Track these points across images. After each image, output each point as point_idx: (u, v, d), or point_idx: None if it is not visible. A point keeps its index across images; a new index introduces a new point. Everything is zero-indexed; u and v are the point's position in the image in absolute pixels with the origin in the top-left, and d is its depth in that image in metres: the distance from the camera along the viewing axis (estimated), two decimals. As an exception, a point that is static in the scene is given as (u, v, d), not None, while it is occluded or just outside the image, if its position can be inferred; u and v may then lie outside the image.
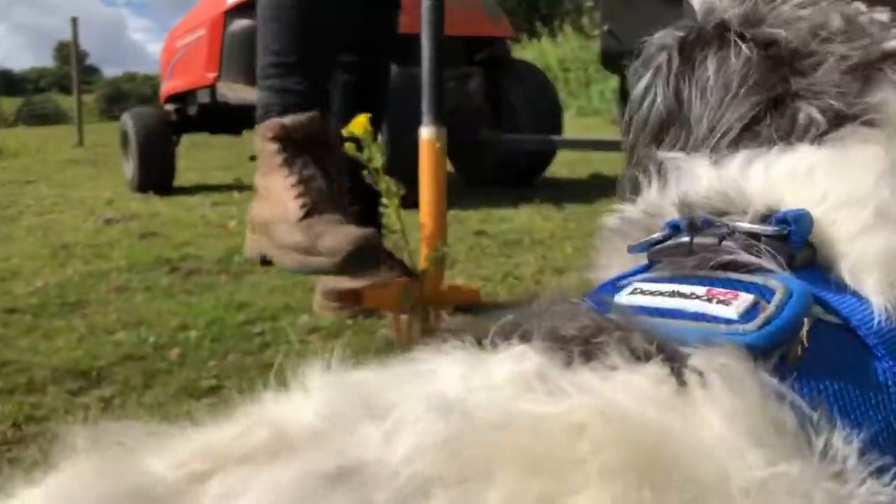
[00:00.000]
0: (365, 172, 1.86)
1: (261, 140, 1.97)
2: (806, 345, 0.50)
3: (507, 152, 5.30)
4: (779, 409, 0.42)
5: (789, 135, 0.69)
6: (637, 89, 0.80)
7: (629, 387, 0.40)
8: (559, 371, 0.41)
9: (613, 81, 14.71)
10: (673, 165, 0.70)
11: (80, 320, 2.46)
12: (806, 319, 0.51)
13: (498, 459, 0.36)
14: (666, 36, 0.79)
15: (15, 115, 26.52)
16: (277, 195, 1.90)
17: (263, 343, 2.19)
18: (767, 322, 0.49)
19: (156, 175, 5.68)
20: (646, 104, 0.78)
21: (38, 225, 4.28)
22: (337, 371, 0.45)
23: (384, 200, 1.87)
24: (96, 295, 2.75)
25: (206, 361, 2.04)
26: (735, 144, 0.70)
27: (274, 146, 1.92)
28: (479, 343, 0.46)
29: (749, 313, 0.50)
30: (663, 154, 0.73)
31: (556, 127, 5.44)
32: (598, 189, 5.13)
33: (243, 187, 5.78)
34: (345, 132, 1.85)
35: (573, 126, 7.35)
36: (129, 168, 5.88)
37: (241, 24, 5.54)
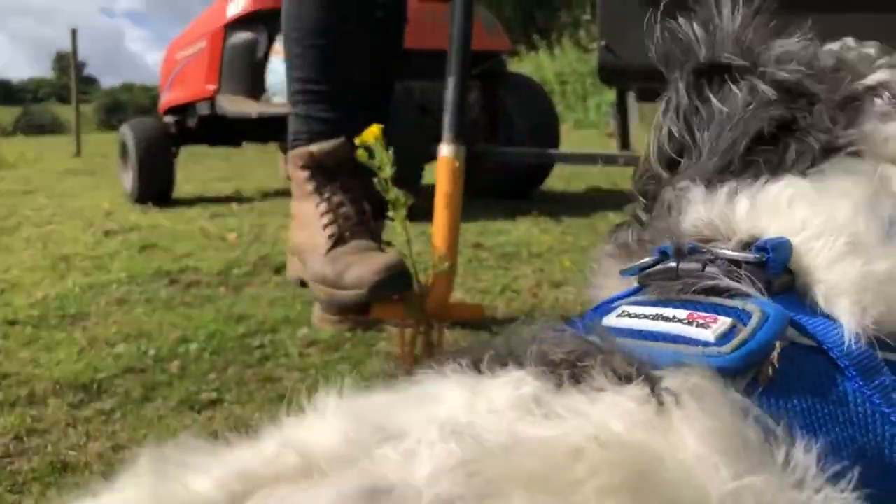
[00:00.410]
0: (375, 180, 1.90)
1: (292, 168, 2.02)
2: (776, 366, 0.53)
3: (504, 165, 5.32)
4: (744, 425, 0.45)
5: (780, 166, 0.72)
6: (655, 122, 0.84)
7: (616, 409, 0.43)
8: (553, 395, 0.44)
9: (610, 95, 14.76)
10: (674, 194, 0.73)
11: (81, 332, 2.47)
12: (778, 343, 0.55)
13: (509, 480, 0.38)
14: (676, 69, 0.83)
15: (13, 125, 26.54)
16: (309, 222, 1.96)
17: (263, 356, 2.20)
18: (742, 344, 0.53)
19: (155, 186, 5.70)
20: (661, 135, 0.82)
21: (38, 236, 4.29)
22: (347, 395, 0.48)
23: (390, 211, 1.90)
24: (96, 307, 2.76)
25: (206, 374, 2.05)
26: (732, 173, 0.74)
27: (304, 174, 1.98)
28: (477, 367, 0.48)
29: (727, 336, 0.54)
30: (671, 183, 0.76)
31: (554, 140, 5.46)
32: (595, 202, 5.16)
33: (242, 199, 5.80)
34: (357, 140, 1.88)
35: (570, 139, 7.39)
36: (127, 179, 5.89)
37: (241, 37, 5.58)
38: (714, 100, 0.79)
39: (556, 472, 0.39)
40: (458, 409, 0.44)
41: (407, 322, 1.91)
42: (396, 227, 1.91)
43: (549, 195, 5.63)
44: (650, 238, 0.71)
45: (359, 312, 1.92)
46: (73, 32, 11.92)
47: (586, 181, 6.36)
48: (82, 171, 8.74)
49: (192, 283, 3.07)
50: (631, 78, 4.35)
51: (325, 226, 1.94)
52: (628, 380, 0.46)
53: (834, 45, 0.81)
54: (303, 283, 2.01)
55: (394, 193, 1.87)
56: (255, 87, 5.57)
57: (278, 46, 5.28)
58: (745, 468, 0.42)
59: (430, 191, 5.32)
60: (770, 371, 0.52)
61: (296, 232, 2.02)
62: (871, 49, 0.81)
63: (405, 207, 1.88)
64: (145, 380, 2.01)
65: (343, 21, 2.01)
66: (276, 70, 5.18)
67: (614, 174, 6.57)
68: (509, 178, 5.42)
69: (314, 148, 1.99)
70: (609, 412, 0.43)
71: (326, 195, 1.96)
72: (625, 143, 4.60)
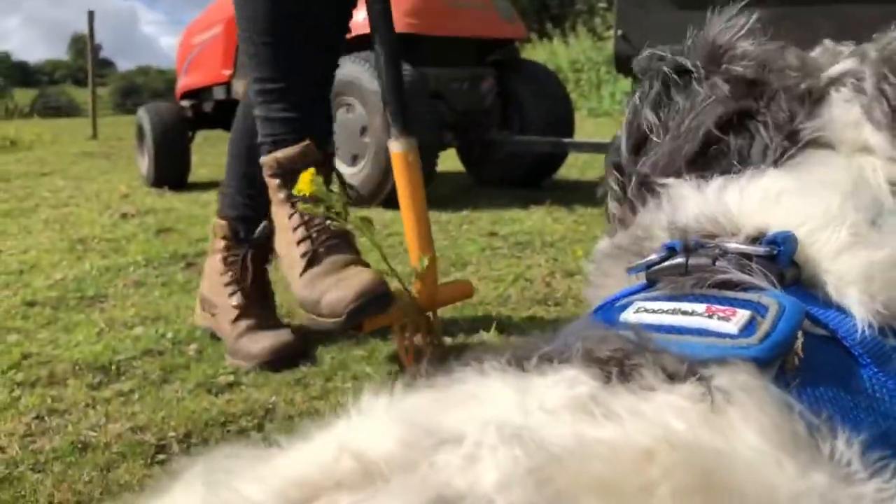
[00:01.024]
0: (330, 223, 1.88)
1: (266, 175, 2.00)
2: (801, 356, 0.54)
3: (518, 154, 5.33)
4: (792, 419, 0.46)
5: (750, 155, 0.75)
6: (627, 111, 0.87)
7: (673, 408, 0.43)
8: (608, 394, 0.44)
9: (625, 83, 14.72)
10: (658, 190, 0.75)
11: (99, 314, 2.50)
12: (799, 332, 0.55)
13: (581, 488, 0.38)
14: (653, 64, 0.86)
15: (30, 107, 26.62)
16: (285, 233, 1.95)
17: (279, 340, 2.23)
18: (766, 336, 0.54)
19: (171, 171, 5.72)
20: (639, 119, 0.84)
21: (55, 218, 4.33)
22: (390, 395, 0.47)
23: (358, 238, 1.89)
24: (114, 289, 2.80)
25: (223, 357, 2.08)
26: (703, 160, 0.76)
27: (275, 182, 1.97)
28: (520, 365, 0.48)
29: (748, 328, 0.55)
30: (649, 179, 0.78)
31: (568, 129, 5.46)
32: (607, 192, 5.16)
33: (257, 184, 5.82)
34: (295, 191, 1.86)
35: (584, 127, 7.38)
36: (144, 163, 5.92)
37: (257, 22, 5.59)
38: (677, 96, 0.82)
39: (628, 476, 0.39)
40: (509, 410, 0.43)
41: (404, 320, 1.93)
42: (369, 247, 1.89)
43: (562, 184, 5.63)
44: (644, 234, 0.73)
45: (353, 327, 1.90)
46: (91, 15, 11.92)
47: (598, 170, 6.34)
48: (98, 154, 8.78)
49: (209, 268, 3.10)
50: (647, 68, 4.35)
51: (299, 241, 1.92)
52: (678, 378, 0.46)
53: (814, 52, 0.84)
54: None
55: (355, 220, 1.86)
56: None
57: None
58: (804, 464, 0.42)
59: (445, 178, 5.31)
60: (796, 361, 0.54)
61: (278, 240, 2.00)
62: (844, 47, 0.83)
63: (371, 230, 1.87)
64: (163, 362, 2.04)
65: (293, 16, 1.96)
66: (293, 56, 5.19)
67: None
68: (522, 167, 5.42)
69: (280, 154, 1.96)
70: (667, 411, 0.43)
71: (299, 205, 1.93)
72: (640, 133, 4.59)
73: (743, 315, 0.56)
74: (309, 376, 1.93)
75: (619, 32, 4.21)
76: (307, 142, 1.95)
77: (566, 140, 5.10)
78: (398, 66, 1.98)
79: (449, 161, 5.16)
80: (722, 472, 0.40)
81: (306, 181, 1.81)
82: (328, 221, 1.89)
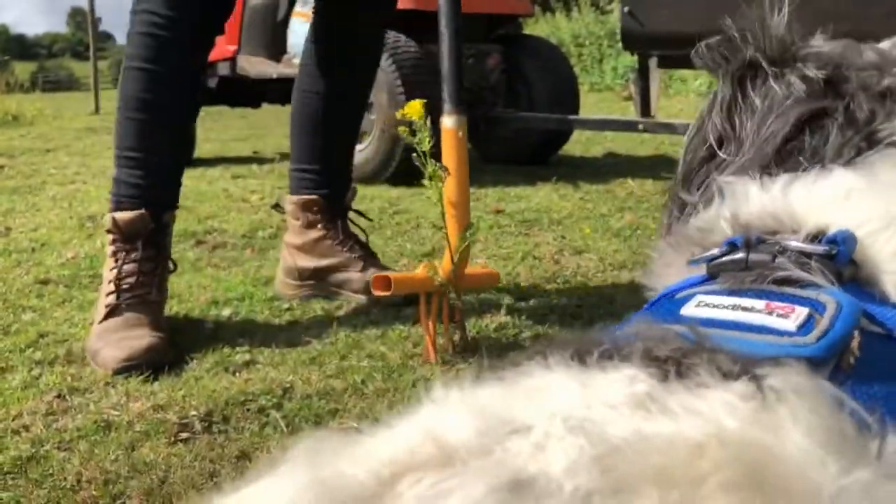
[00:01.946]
0: (413, 155, 1.94)
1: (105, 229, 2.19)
2: (857, 354, 0.56)
3: (523, 131, 5.34)
4: (842, 418, 0.47)
5: (823, 157, 0.76)
6: (696, 119, 0.88)
7: (725, 406, 0.45)
8: (665, 392, 0.47)
9: (627, 58, 14.68)
10: (724, 187, 0.76)
11: (113, 293, 2.52)
12: (856, 331, 0.57)
13: (639, 475, 0.41)
14: (721, 69, 0.86)
15: (30, 81, 26.53)
16: (104, 283, 2.10)
17: (292, 319, 2.26)
18: (824, 334, 0.55)
19: (177, 147, 5.72)
20: (705, 128, 0.85)
21: (63, 195, 4.34)
22: (461, 387, 0.51)
23: (427, 182, 1.94)
24: (126, 267, 2.81)
25: (238, 336, 2.10)
26: (778, 159, 0.77)
27: (109, 237, 2.14)
28: (582, 361, 0.51)
29: (806, 326, 0.57)
30: (717, 176, 0.80)
31: (574, 106, 5.46)
32: (612, 168, 5.18)
33: (263, 160, 5.84)
34: (399, 114, 1.94)
35: (586, 102, 7.37)
36: (149, 139, 5.92)
37: (261, -2, 5.60)
38: (754, 96, 0.83)
39: (681, 468, 0.42)
40: (573, 403, 0.46)
41: (430, 289, 1.95)
42: (432, 199, 1.95)
43: (567, 160, 5.65)
44: (707, 227, 0.75)
45: (382, 288, 1.97)
46: (91, -12, 11.89)
47: (604, 146, 6.37)
48: (101, 129, 8.78)
49: (219, 245, 3.12)
50: (653, 45, 4.36)
51: (107, 294, 2.06)
52: (733, 376, 0.48)
53: (885, 43, 0.85)
54: None
55: (431, 167, 1.91)
56: (275, 47, 5.59)
57: (300, 8, 5.29)
58: (849, 462, 0.44)
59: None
60: (851, 359, 0.56)
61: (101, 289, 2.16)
62: None
63: (442, 181, 1.92)
64: (180, 341, 2.06)
65: (159, 99, 2.15)
66: (298, 31, 5.19)
67: (631, 139, 6.58)
68: (528, 144, 5.43)
69: (118, 215, 2.12)
70: (720, 409, 0.45)
71: (119, 262, 2.08)
72: (646, 109, 4.60)
73: (801, 312, 0.58)
74: (324, 355, 1.95)
75: (626, 9, 4.21)
76: (143, 211, 2.13)
77: (572, 117, 5.10)
78: (460, 51, 2.04)
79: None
80: (768, 469, 0.42)
81: (416, 108, 1.92)
82: (413, 155, 1.97)
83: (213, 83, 6.02)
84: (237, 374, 1.85)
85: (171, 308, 2.32)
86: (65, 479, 1.39)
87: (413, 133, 1.91)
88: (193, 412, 1.62)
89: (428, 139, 1.90)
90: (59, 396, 1.75)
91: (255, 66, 5.54)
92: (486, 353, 1.92)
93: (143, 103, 2.15)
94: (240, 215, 3.68)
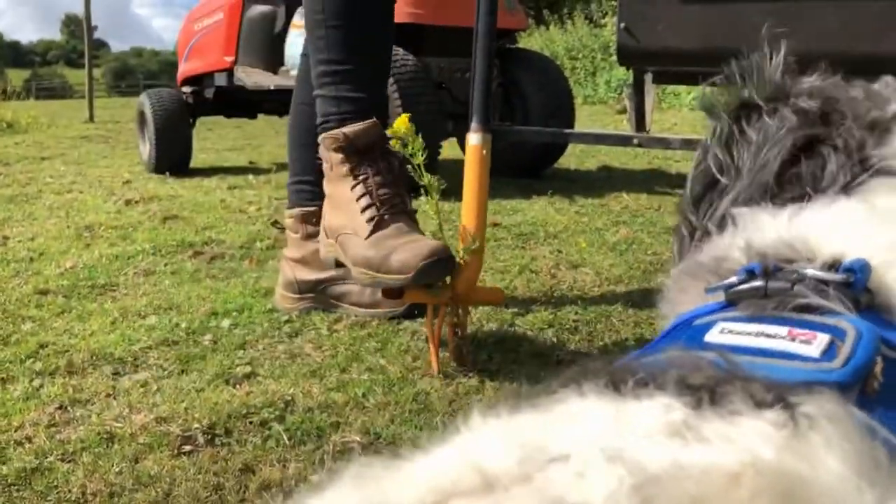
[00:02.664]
0: (409, 168, 1.95)
1: (324, 150, 2.05)
2: (881, 380, 0.57)
3: (519, 144, 5.36)
4: (874, 445, 0.48)
5: (822, 179, 0.79)
6: (697, 153, 0.91)
7: (760, 435, 0.46)
8: (699, 420, 0.48)
9: (620, 71, 14.71)
10: (735, 216, 0.79)
11: (112, 303, 2.53)
12: (878, 356, 0.59)
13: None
14: (720, 111, 0.90)
15: (23, 88, 26.51)
16: (347, 205, 1.99)
17: (292, 331, 2.26)
18: (848, 360, 0.57)
19: (173, 158, 5.74)
20: (707, 161, 0.89)
21: (60, 204, 4.35)
22: (495, 413, 0.52)
23: (424, 196, 1.95)
24: (125, 278, 2.83)
25: (238, 349, 2.11)
26: (778, 183, 0.80)
27: (338, 156, 2.01)
28: (616, 388, 0.52)
29: (828, 352, 0.58)
30: (721, 202, 0.82)
31: (569, 119, 5.49)
32: (606, 182, 5.21)
33: (259, 170, 5.85)
34: (389, 131, 1.94)
35: (580, 115, 7.38)
36: (145, 149, 5.94)
37: (258, 9, 5.62)
38: (749, 131, 0.86)
39: (718, 497, 0.42)
40: (611, 432, 0.47)
41: (438, 300, 1.96)
42: (428, 212, 1.96)
43: (562, 174, 5.67)
44: (722, 255, 0.77)
45: (393, 296, 1.97)
46: (87, -3, 11.90)
47: (598, 159, 6.40)
48: (96, 138, 8.79)
49: (217, 256, 3.13)
50: (649, 60, 4.38)
51: (364, 209, 1.97)
52: (765, 404, 0.49)
53: (876, 84, 0.88)
54: (338, 264, 2.05)
55: (427, 179, 1.92)
56: (273, 59, 5.62)
57: (298, 20, 5.31)
58: (884, 489, 0.45)
59: (445, 167, 5.34)
60: (875, 384, 0.57)
61: (332, 214, 2.05)
62: None
63: (438, 192, 1.94)
64: (179, 353, 2.08)
65: (358, 1, 2.06)
66: (296, 43, 5.21)
67: (626, 153, 6.61)
68: (524, 157, 5.46)
69: (347, 130, 2.02)
70: (754, 437, 0.46)
71: (362, 177, 1.99)
72: (640, 124, 4.62)
73: (823, 339, 0.60)
74: (324, 368, 1.96)
75: (622, 25, 4.23)
76: (374, 120, 2.02)
77: (567, 131, 5.12)
78: (490, 68, 2.05)
79: (450, 150, 5.19)
80: (804, 498, 0.43)
81: (403, 121, 1.93)
82: (408, 167, 1.96)
83: (209, 93, 6.04)
84: (238, 386, 1.86)
85: (171, 319, 2.33)
86: (69, 491, 1.40)
87: (404, 146, 1.93)
88: (196, 425, 1.63)
89: (420, 152, 1.92)
90: (60, 408, 1.75)
91: (253, 77, 5.56)
92: (485, 368, 1.93)
93: (346, 8, 2.06)
94: (237, 226, 3.69)
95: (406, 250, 1.83)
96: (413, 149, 1.92)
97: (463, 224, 2.00)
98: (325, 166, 2.08)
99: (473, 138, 2.01)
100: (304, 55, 2.50)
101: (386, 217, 1.95)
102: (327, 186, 2.07)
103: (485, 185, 2.01)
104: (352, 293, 2.39)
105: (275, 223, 2.68)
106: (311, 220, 2.46)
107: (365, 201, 1.97)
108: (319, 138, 2.08)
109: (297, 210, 2.50)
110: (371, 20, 2.08)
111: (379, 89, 2.14)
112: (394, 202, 1.98)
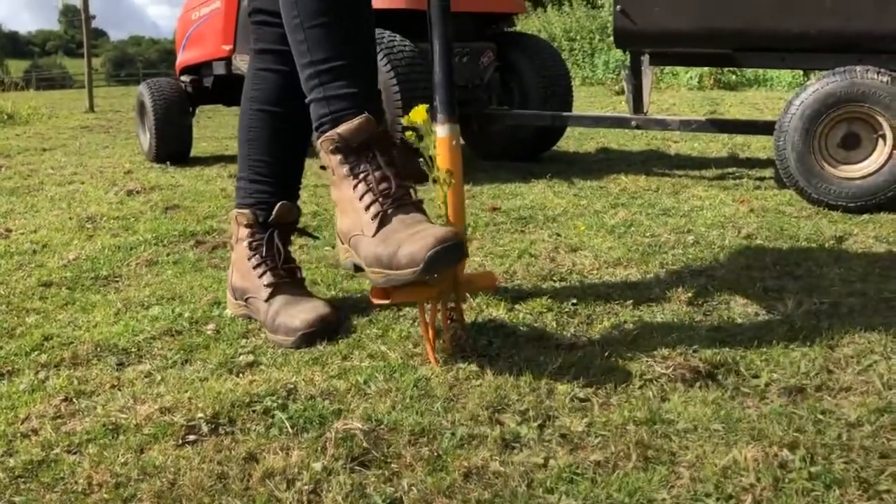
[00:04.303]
0: (420, 160, 1.94)
1: (325, 154, 2.02)
2: None
3: (517, 128, 5.38)
4: None
5: None
6: None
7: None
8: None
9: (618, 52, 14.68)
10: None
11: (115, 294, 2.55)
12: None
13: None
14: None
15: (23, 79, 26.49)
16: (351, 206, 1.97)
17: (293, 320, 2.28)
18: None
19: (173, 147, 5.75)
20: None
21: (62, 195, 4.37)
22: None
23: (434, 186, 1.94)
24: (128, 269, 2.85)
25: (241, 337, 2.14)
26: None
27: (336, 158, 1.99)
28: None
29: None
30: None
31: (567, 102, 5.50)
32: (604, 164, 5.22)
33: (258, 159, 5.85)
34: (405, 121, 1.93)
35: (578, 96, 7.41)
36: (145, 139, 5.95)
37: (256, -4, 5.61)
38: None
39: None
40: None
41: (430, 294, 1.96)
42: (440, 207, 1.95)
43: (560, 156, 5.68)
44: None
45: (381, 297, 1.93)
46: (84, -13, 11.90)
47: (597, 141, 6.40)
48: (97, 128, 8.80)
49: (219, 245, 3.15)
50: (646, 42, 4.39)
51: (367, 206, 1.94)
52: None
53: None
54: (357, 268, 2.02)
55: (437, 172, 1.92)
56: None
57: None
58: None
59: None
60: None
61: (341, 218, 2.03)
62: None
63: (449, 185, 1.92)
64: (182, 342, 2.10)
65: None
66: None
67: (624, 135, 6.62)
68: (522, 141, 5.47)
69: (341, 129, 1.98)
70: None
71: (362, 175, 1.96)
72: (638, 106, 4.63)
73: None
74: (326, 356, 1.98)
75: (619, 7, 4.24)
76: (366, 115, 1.98)
77: (566, 114, 5.14)
78: (451, 59, 2.02)
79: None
80: None
81: (420, 112, 1.90)
82: (420, 160, 1.94)
83: (208, 82, 6.04)
84: (241, 375, 1.88)
85: (174, 309, 2.35)
86: (76, 482, 1.42)
87: (420, 138, 1.92)
88: (200, 414, 1.65)
89: (434, 144, 1.92)
90: (66, 399, 1.77)
91: (251, 65, 5.56)
92: (485, 353, 1.95)
93: (319, 3, 1.99)
94: (238, 215, 3.70)
95: (412, 242, 1.80)
96: (427, 140, 1.92)
97: (448, 215, 2.00)
98: (328, 172, 2.06)
99: (441, 130, 1.99)
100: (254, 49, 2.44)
101: (389, 211, 1.92)
102: (333, 192, 2.05)
103: (459, 176, 1.99)
104: (259, 311, 2.29)
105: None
106: (243, 222, 2.41)
107: (368, 199, 1.95)
108: (317, 144, 2.06)
109: (234, 211, 2.47)
110: (347, 15, 2.02)
111: (367, 82, 2.07)
112: (397, 195, 1.95)
